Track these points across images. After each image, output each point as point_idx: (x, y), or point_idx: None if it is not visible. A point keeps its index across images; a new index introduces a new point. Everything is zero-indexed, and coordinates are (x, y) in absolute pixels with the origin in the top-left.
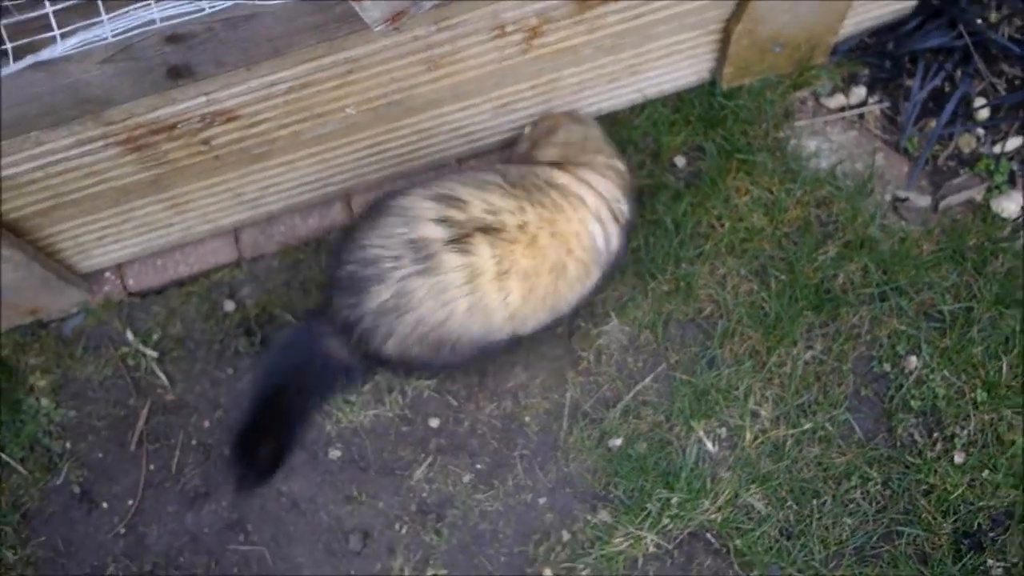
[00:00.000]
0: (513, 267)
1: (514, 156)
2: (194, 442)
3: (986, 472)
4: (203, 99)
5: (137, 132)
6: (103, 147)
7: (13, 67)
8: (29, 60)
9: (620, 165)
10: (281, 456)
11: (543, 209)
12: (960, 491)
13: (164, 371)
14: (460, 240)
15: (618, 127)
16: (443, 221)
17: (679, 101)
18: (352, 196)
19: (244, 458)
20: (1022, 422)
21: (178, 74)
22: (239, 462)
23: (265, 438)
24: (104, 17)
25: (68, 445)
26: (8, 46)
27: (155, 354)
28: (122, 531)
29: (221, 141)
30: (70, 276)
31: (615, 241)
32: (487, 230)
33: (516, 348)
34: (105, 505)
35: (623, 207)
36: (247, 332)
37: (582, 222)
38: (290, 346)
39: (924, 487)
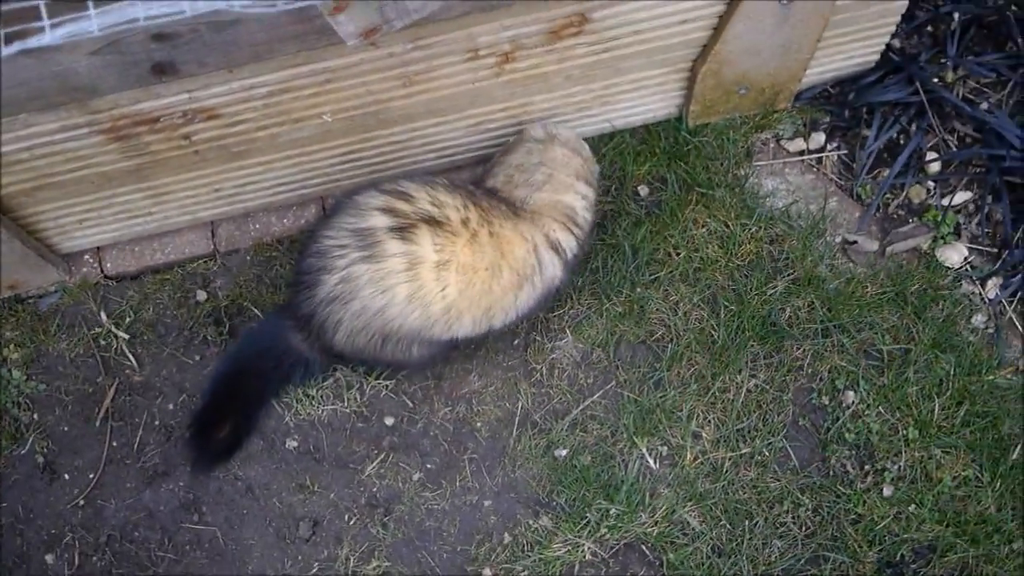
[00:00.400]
0: (453, 259)
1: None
2: (157, 423)
3: (912, 506)
4: (185, 96)
5: (121, 122)
6: (87, 134)
7: (3, 52)
8: (17, 46)
9: (573, 199)
10: (238, 441)
11: (482, 210)
12: (887, 522)
13: (133, 353)
14: (404, 229)
15: None
16: (389, 211)
17: (646, 133)
18: (327, 199)
19: (201, 440)
20: (949, 461)
21: (162, 71)
22: (196, 444)
23: (222, 422)
24: (92, 12)
25: (36, 416)
26: (0, 32)
27: (126, 336)
28: (81, 503)
29: (201, 137)
30: (50, 255)
31: (551, 269)
32: (431, 222)
33: (453, 355)
34: (67, 477)
35: (564, 242)
36: (216, 322)
37: (515, 234)
38: (253, 335)
39: (853, 516)
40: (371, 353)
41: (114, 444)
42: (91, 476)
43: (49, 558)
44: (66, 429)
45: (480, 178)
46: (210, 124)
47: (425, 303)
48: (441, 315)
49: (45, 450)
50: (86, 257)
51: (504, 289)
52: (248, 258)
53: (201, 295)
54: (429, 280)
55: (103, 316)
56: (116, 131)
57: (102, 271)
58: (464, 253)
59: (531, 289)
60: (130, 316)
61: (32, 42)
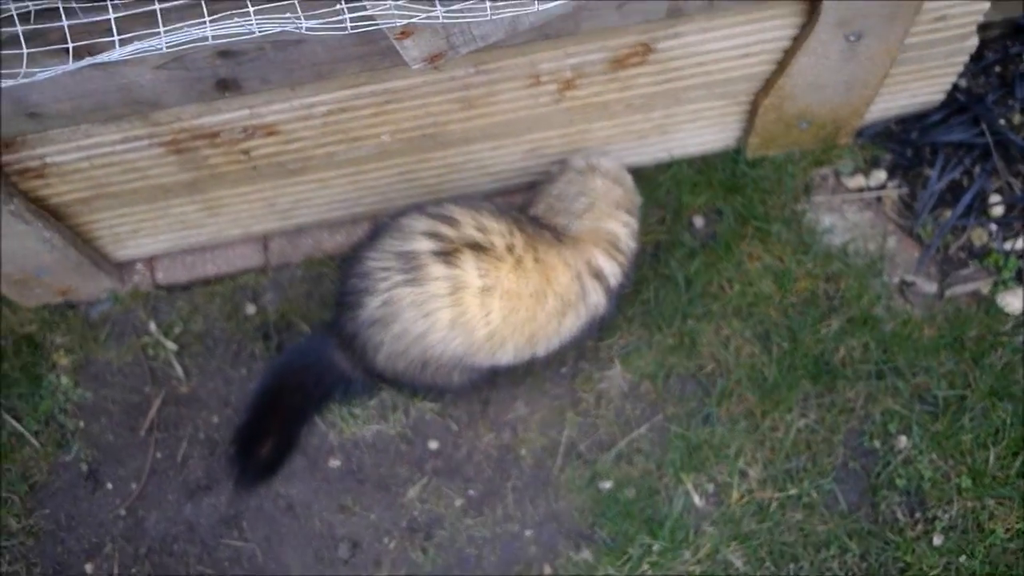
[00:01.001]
0: (497, 285)
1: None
2: (202, 435)
3: (963, 557)
4: (246, 112)
5: (181, 136)
6: (147, 146)
7: (73, 65)
8: (87, 61)
9: (615, 227)
10: (280, 458)
11: (527, 236)
12: (936, 573)
13: (181, 364)
14: (448, 253)
15: (642, 182)
16: (433, 235)
17: (703, 164)
18: (380, 218)
19: (244, 457)
20: (1003, 512)
21: (225, 87)
22: (239, 460)
23: (265, 438)
24: (161, 29)
25: (82, 424)
26: (70, 45)
27: (175, 347)
28: (123, 513)
29: (260, 153)
30: (103, 263)
31: (594, 296)
32: (475, 247)
33: (499, 380)
34: (110, 486)
35: (607, 269)
36: (264, 336)
37: (559, 261)
38: (298, 350)
39: (901, 564)
40: (411, 377)
41: (158, 455)
42: (134, 486)
43: (88, 567)
44: (111, 438)
45: (523, 206)
46: (269, 140)
47: (468, 329)
48: (484, 341)
49: (89, 458)
50: (138, 266)
51: (548, 316)
52: (299, 273)
53: (250, 308)
54: (473, 306)
55: (152, 326)
56: (176, 144)
57: (153, 281)
58: (509, 279)
59: (575, 317)
60: (179, 327)
61: (101, 58)
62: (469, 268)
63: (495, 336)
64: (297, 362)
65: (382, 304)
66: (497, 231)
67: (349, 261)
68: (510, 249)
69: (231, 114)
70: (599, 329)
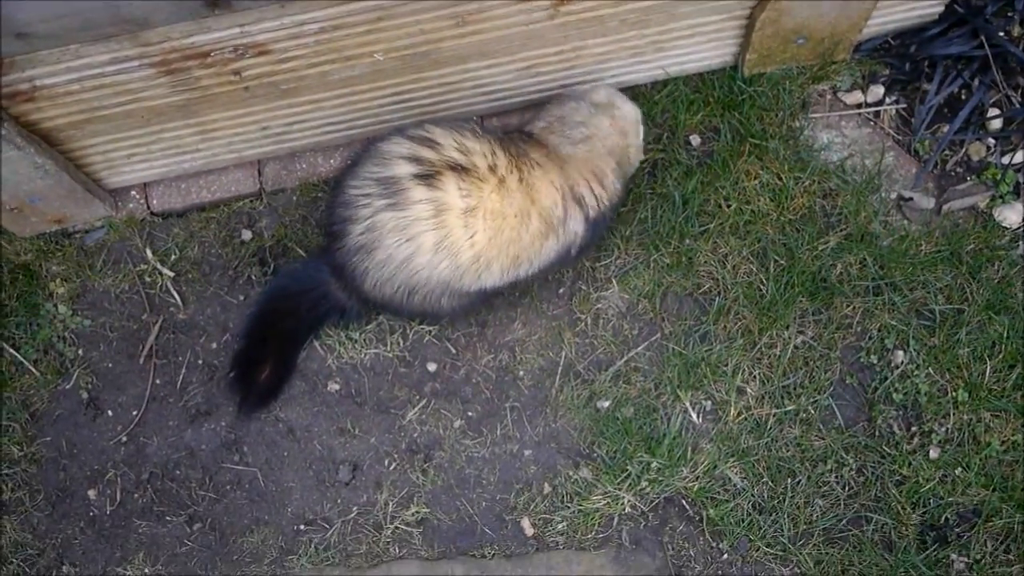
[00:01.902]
0: (480, 205)
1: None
2: (200, 362)
3: (959, 470)
4: (237, 30)
5: (172, 56)
6: (138, 67)
7: None
8: None
9: (604, 164)
10: (279, 382)
11: (511, 156)
12: (931, 485)
13: (178, 291)
14: (429, 176)
15: (638, 101)
16: (413, 159)
17: (700, 82)
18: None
19: (244, 382)
20: (999, 425)
21: (215, 3)
22: (239, 386)
23: (263, 363)
24: None
25: (80, 352)
26: None
27: (171, 274)
28: (124, 439)
29: (252, 73)
30: (97, 190)
31: (573, 224)
32: (457, 168)
33: (482, 308)
34: (110, 413)
35: (587, 199)
36: (261, 262)
37: (544, 181)
38: (292, 275)
39: (897, 478)
40: (399, 304)
41: (157, 382)
42: (134, 413)
43: (92, 493)
44: (110, 365)
45: (520, 125)
46: (260, 60)
47: (454, 252)
48: (470, 264)
49: (89, 386)
50: (133, 193)
51: (532, 236)
52: (294, 198)
53: (246, 234)
54: (457, 227)
55: (149, 253)
56: (167, 65)
57: (148, 208)
58: (492, 199)
59: (555, 240)
60: (175, 254)
61: None
62: (451, 190)
63: (481, 258)
64: (292, 287)
65: (365, 231)
66: (479, 152)
67: (333, 190)
68: (492, 169)
69: (221, 32)
70: (575, 259)
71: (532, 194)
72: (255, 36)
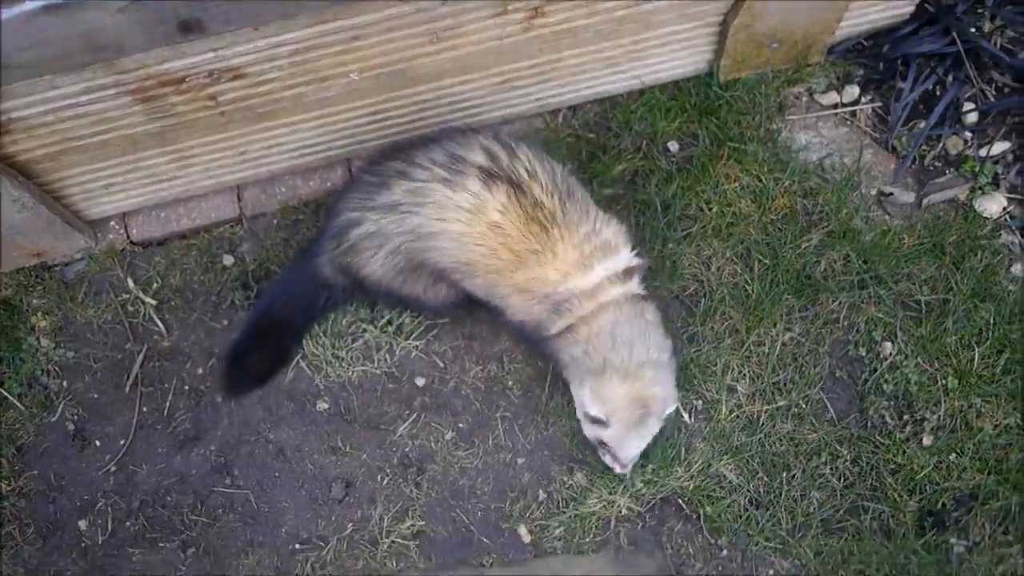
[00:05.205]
0: (505, 225)
1: None
2: (186, 387)
3: (953, 455)
4: (211, 55)
5: (147, 83)
6: (114, 95)
7: (27, 6)
8: (42, 1)
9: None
10: (270, 370)
11: (561, 214)
12: (927, 472)
13: (161, 319)
14: (491, 175)
15: (616, 111)
16: (489, 153)
17: (676, 89)
18: (353, 161)
19: (234, 368)
20: (990, 410)
21: (188, 28)
22: (228, 372)
23: (255, 352)
24: None
25: (65, 384)
26: None
27: (154, 302)
28: (113, 469)
29: (227, 98)
30: (76, 221)
31: (546, 319)
32: (514, 184)
33: (461, 312)
34: (98, 443)
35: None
36: (244, 286)
37: (563, 263)
38: (286, 278)
39: (892, 466)
40: (389, 282)
41: (144, 410)
42: (122, 442)
43: (82, 524)
44: (96, 396)
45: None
46: (236, 84)
47: (466, 249)
48: (464, 265)
49: (75, 417)
50: (112, 224)
51: (512, 284)
52: (274, 222)
53: (228, 260)
54: (477, 231)
55: (130, 282)
56: (142, 92)
57: (128, 237)
58: (518, 227)
59: (529, 307)
60: (157, 282)
61: None
62: (498, 198)
63: (471, 265)
64: (286, 283)
65: (410, 192)
66: (542, 185)
67: (397, 146)
68: (537, 203)
69: (196, 58)
70: (526, 341)
71: (549, 252)
72: (229, 60)
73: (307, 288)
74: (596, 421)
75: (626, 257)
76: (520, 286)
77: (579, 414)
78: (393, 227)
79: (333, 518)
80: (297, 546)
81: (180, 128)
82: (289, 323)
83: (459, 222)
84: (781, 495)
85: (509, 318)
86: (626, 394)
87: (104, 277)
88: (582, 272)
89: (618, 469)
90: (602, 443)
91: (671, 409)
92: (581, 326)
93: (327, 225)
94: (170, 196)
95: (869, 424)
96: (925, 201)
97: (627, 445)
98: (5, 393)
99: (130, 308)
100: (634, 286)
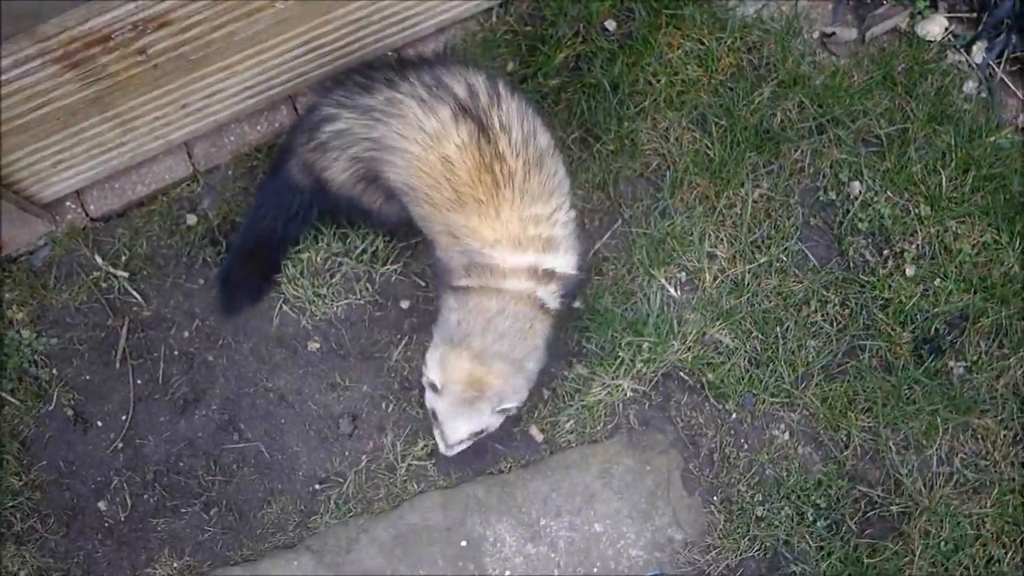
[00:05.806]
0: (457, 164)
1: None
2: (176, 353)
3: (937, 280)
4: (132, 5)
5: (72, 47)
6: (41, 66)
7: None
8: None
9: None
10: (263, 286)
11: (517, 176)
12: (915, 301)
13: (137, 289)
14: (463, 110)
15: None
16: (471, 91)
17: None
18: (297, 97)
19: (228, 284)
20: (966, 230)
21: None
22: (224, 288)
23: (244, 264)
24: None
25: (55, 371)
26: None
27: (125, 274)
28: (120, 446)
29: (157, 49)
30: (31, 207)
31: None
32: (482, 127)
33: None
34: (100, 423)
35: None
36: (212, 242)
37: (504, 223)
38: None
39: (880, 302)
40: (350, 190)
41: (139, 382)
42: (123, 418)
43: (102, 505)
44: (88, 377)
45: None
46: (163, 33)
47: (416, 173)
48: (410, 191)
49: (72, 402)
50: (68, 204)
51: (445, 224)
52: (230, 173)
53: (191, 219)
54: (430, 159)
55: (98, 259)
56: (69, 57)
57: (87, 215)
58: (467, 166)
59: (452, 251)
60: (125, 254)
61: None
62: (460, 134)
63: (418, 193)
64: (261, 202)
65: (387, 100)
66: (511, 137)
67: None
68: (498, 155)
69: (117, 11)
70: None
71: (495, 208)
72: (152, 8)
73: (280, 195)
74: (431, 386)
75: (562, 262)
76: (451, 229)
77: (423, 380)
78: (362, 131)
79: (347, 453)
80: (317, 487)
81: (116, 90)
82: (271, 233)
83: (417, 144)
84: (778, 350)
85: (435, 253)
86: (467, 374)
87: (71, 259)
88: (513, 249)
89: (442, 448)
90: (435, 416)
91: (508, 406)
92: (473, 295)
93: (303, 117)
94: (120, 165)
95: (851, 265)
96: (868, 35)
97: (454, 424)
98: None
99: (103, 285)
100: (546, 292)
